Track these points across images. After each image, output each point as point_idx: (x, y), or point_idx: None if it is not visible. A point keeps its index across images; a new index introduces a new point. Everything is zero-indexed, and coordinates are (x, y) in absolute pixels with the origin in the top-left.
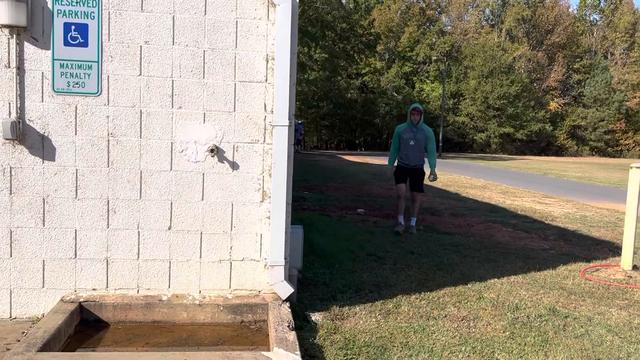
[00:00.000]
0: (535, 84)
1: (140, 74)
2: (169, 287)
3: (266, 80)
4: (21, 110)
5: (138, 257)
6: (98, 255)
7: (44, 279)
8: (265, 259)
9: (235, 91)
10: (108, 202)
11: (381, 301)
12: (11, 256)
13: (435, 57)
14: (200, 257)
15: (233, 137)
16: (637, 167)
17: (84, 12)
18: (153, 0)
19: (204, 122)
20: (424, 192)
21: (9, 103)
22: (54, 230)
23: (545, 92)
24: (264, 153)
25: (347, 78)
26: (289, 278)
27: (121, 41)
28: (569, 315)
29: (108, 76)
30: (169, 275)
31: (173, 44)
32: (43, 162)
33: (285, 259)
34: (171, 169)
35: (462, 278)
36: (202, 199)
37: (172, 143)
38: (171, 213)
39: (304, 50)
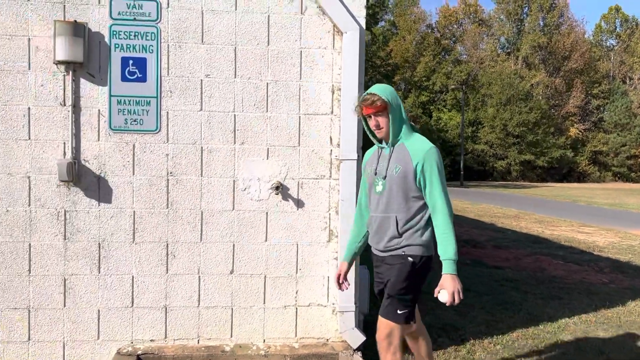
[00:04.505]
0: (553, 110)
1: (201, 109)
2: (232, 336)
3: (332, 112)
4: (76, 150)
5: (198, 304)
6: (156, 303)
7: (99, 330)
8: (333, 304)
9: (299, 125)
10: (167, 246)
11: (453, 347)
12: (65, 306)
13: (453, 86)
14: (264, 302)
15: (297, 172)
16: None
17: (142, 45)
18: (214, 31)
19: (267, 158)
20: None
21: (64, 143)
22: (110, 277)
23: (565, 119)
24: (330, 189)
25: None
26: (358, 324)
27: (181, 75)
28: None
29: (167, 112)
30: (231, 324)
31: (235, 77)
32: (99, 205)
33: (355, 303)
34: (233, 209)
35: (531, 318)
36: (266, 240)
37: (234, 181)
38: (233, 256)
39: None
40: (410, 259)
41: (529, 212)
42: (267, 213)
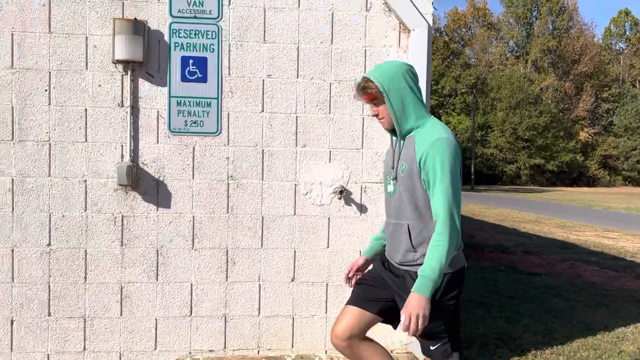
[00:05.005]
0: (562, 114)
1: (263, 111)
2: (292, 346)
3: None
4: (134, 153)
5: (259, 313)
6: (215, 312)
7: (156, 339)
8: None
9: (363, 126)
10: (227, 252)
11: (515, 358)
12: (121, 315)
13: (462, 90)
14: (326, 312)
15: (361, 176)
16: None
17: (203, 44)
18: (276, 30)
19: (329, 161)
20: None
21: (122, 145)
22: (168, 284)
23: (575, 122)
24: None
25: None
26: None
27: (242, 75)
28: None
29: (228, 113)
30: (292, 333)
31: (297, 77)
32: (157, 210)
33: None
34: (294, 214)
35: (586, 327)
36: (328, 246)
37: (295, 185)
38: (294, 263)
39: None
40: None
41: (548, 217)
42: (329, 218)
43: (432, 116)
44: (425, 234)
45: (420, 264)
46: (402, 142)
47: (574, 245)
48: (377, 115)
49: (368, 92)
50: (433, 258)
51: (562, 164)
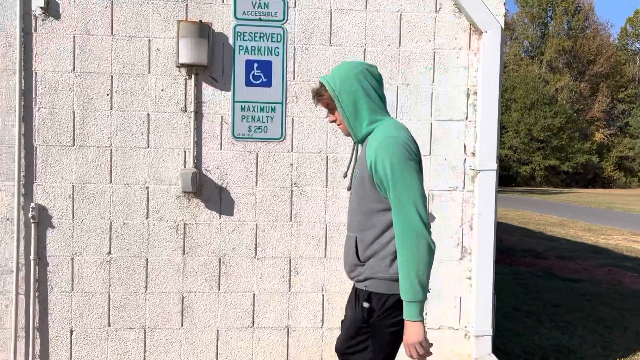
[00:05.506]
0: (577, 115)
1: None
2: None
3: (466, 117)
4: (197, 159)
5: (322, 324)
6: (278, 323)
7: (217, 352)
8: (466, 327)
9: (431, 131)
10: (290, 261)
11: None
12: (182, 326)
13: None
14: None
15: (428, 183)
16: None
17: (268, 47)
18: (342, 32)
19: None
20: None
21: (185, 151)
22: (230, 294)
23: (590, 123)
24: (464, 202)
25: None
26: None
27: (307, 79)
28: None
29: (292, 119)
30: None
31: None
32: (220, 217)
33: (492, 327)
34: None
35: None
36: None
37: None
38: None
39: None
40: (365, 304)
41: (571, 220)
42: None
43: (389, 117)
44: (375, 248)
45: (366, 279)
46: (359, 148)
47: (606, 250)
48: (335, 122)
49: (320, 97)
50: (402, 278)
51: (577, 165)
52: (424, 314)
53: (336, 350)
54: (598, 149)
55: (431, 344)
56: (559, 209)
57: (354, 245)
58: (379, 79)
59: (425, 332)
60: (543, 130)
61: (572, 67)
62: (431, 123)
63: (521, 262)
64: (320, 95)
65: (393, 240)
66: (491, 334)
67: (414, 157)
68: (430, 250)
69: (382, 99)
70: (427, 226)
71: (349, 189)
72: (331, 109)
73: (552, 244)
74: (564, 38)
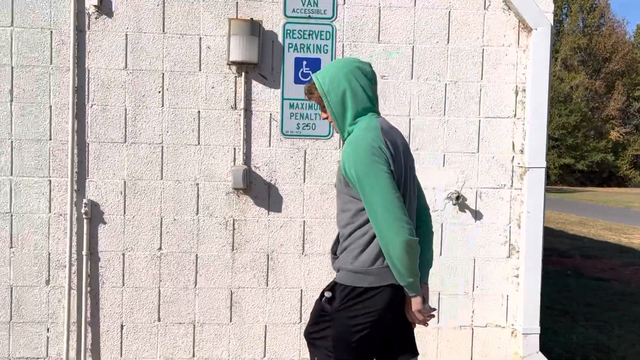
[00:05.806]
0: (592, 113)
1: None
2: None
3: (515, 115)
4: (247, 156)
5: None
6: None
7: (265, 347)
8: (513, 325)
9: (479, 129)
10: None
11: None
12: (231, 321)
13: None
14: (438, 322)
15: (476, 181)
16: None
17: (317, 45)
18: (391, 29)
19: (443, 165)
20: None
21: (234, 148)
22: (278, 290)
23: (605, 122)
24: (512, 200)
25: None
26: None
27: None
28: None
29: None
30: None
31: (411, 78)
32: (268, 214)
33: (539, 325)
34: None
35: None
36: (440, 254)
37: None
38: None
39: None
40: (327, 293)
41: (591, 219)
42: (442, 224)
43: (375, 116)
44: (348, 241)
45: (338, 270)
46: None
47: (631, 249)
48: (327, 119)
49: (310, 95)
50: (392, 268)
51: (592, 164)
52: (472, 311)
53: (304, 335)
54: (613, 148)
55: (433, 309)
56: (577, 207)
57: (336, 240)
58: (370, 77)
59: (422, 302)
60: (558, 128)
61: (588, 64)
62: (479, 120)
63: (548, 260)
64: (311, 93)
65: (365, 235)
66: (538, 332)
67: (381, 155)
68: (408, 245)
69: (371, 98)
70: (401, 221)
71: (335, 186)
72: (322, 106)
73: (575, 242)
74: (579, 36)
